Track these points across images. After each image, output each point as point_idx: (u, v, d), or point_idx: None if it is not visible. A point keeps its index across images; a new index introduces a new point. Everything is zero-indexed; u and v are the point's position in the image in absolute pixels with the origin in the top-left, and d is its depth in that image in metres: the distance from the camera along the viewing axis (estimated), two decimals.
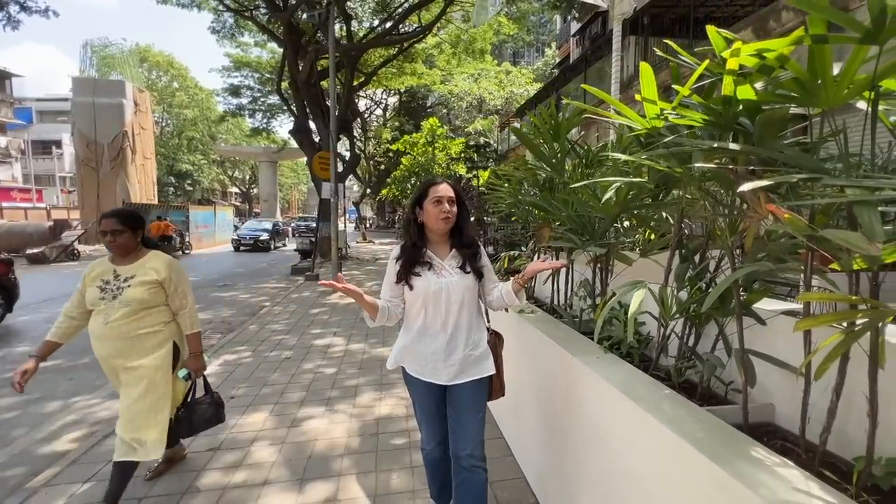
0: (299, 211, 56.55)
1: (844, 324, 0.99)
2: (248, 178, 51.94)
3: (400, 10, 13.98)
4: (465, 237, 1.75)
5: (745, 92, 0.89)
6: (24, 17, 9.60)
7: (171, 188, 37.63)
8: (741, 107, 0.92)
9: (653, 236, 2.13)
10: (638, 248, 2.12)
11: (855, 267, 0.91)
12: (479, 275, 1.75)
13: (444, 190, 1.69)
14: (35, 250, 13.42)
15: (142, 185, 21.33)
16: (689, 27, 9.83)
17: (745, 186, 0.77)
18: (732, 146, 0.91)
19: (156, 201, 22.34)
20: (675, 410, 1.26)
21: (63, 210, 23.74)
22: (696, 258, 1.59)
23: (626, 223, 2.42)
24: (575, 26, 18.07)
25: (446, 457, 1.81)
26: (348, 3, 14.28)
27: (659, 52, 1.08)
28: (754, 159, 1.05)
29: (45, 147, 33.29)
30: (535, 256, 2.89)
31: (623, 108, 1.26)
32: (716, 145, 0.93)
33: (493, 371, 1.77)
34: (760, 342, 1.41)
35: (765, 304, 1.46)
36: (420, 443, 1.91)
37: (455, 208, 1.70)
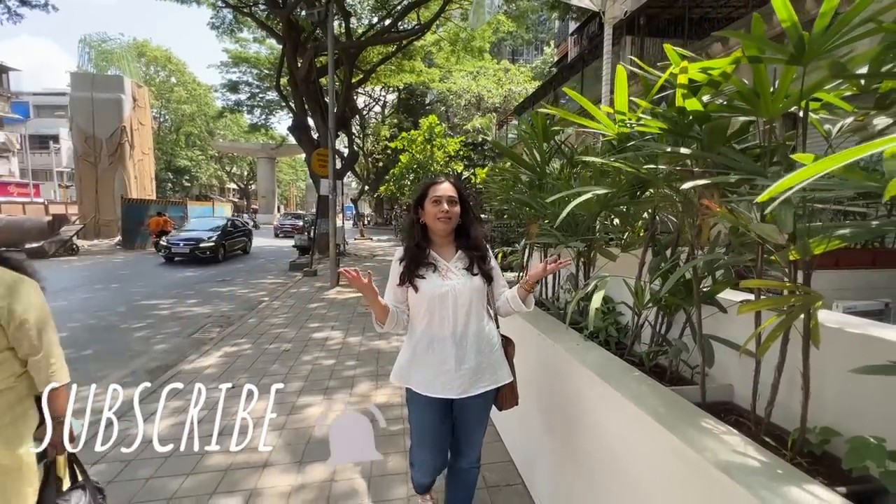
0: (297, 207, 56.47)
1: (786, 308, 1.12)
2: (246, 174, 51.91)
3: (399, 7, 14.03)
4: (470, 238, 1.67)
5: (693, 104, 1.01)
6: (25, 11, 9.64)
7: (169, 184, 37.62)
8: (691, 117, 1.04)
9: (642, 233, 2.26)
10: (620, 245, 2.24)
11: (790, 258, 1.03)
12: (489, 278, 1.67)
13: (444, 189, 1.61)
14: (34, 245, 13.47)
15: (140, 181, 21.35)
16: (684, 28, 9.96)
17: (686, 185, 0.90)
18: (683, 151, 1.04)
19: (154, 197, 22.34)
20: (641, 389, 1.39)
21: (61, 205, 23.74)
22: (668, 252, 1.72)
23: (617, 221, 2.55)
24: (573, 25, 18.16)
25: (434, 478, 1.82)
26: (347, 0, 14.32)
27: (627, 66, 1.20)
28: (710, 162, 1.17)
29: (42, 142, 33.21)
30: (526, 252, 3.01)
31: (597, 113, 1.38)
32: (668, 150, 1.06)
33: (509, 379, 1.70)
34: (723, 329, 1.54)
35: (728, 295, 1.59)
36: (411, 471, 1.85)
37: (456, 208, 1.62)
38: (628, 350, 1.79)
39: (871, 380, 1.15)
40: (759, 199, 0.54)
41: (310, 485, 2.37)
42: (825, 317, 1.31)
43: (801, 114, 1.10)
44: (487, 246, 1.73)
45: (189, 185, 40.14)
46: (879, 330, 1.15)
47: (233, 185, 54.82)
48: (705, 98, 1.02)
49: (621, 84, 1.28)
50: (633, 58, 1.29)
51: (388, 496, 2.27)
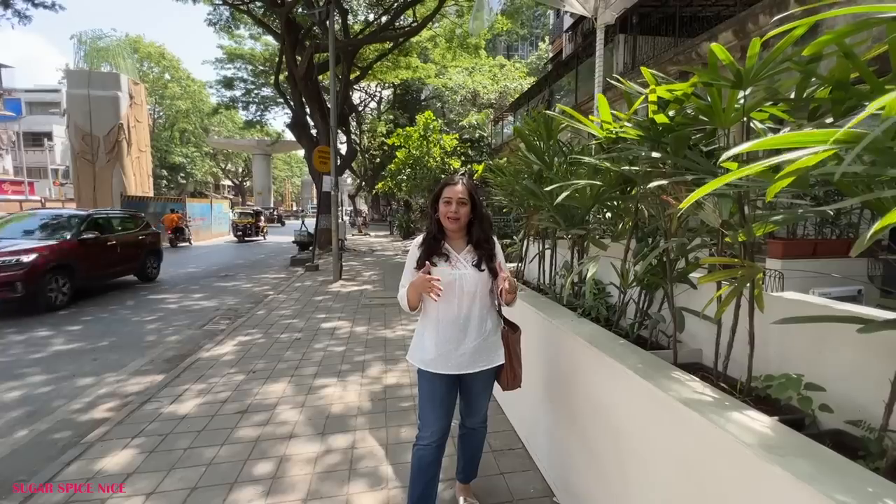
0: (293, 203, 56.30)
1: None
2: (241, 170, 51.80)
3: (396, 4, 14.18)
4: (474, 234, 1.83)
5: (660, 118, 1.27)
6: (32, 11, 9.74)
7: (164, 181, 37.52)
8: (661, 127, 1.30)
9: (630, 224, 2.53)
10: (609, 235, 2.51)
11: (740, 239, 1.31)
12: (494, 274, 1.81)
13: (455, 192, 1.78)
14: None
15: (137, 178, 21.40)
16: (675, 26, 10.22)
17: (651, 184, 1.16)
18: (655, 154, 1.30)
19: (151, 194, 22.39)
20: (624, 351, 1.67)
21: (57, 202, 23.69)
22: (650, 240, 1.99)
23: (609, 214, 2.82)
24: (568, 21, 18.39)
25: (437, 459, 1.86)
26: None
27: (614, 83, 1.45)
28: (679, 164, 1.44)
29: (35, 139, 32.99)
30: (525, 242, 3.28)
31: (587, 122, 1.65)
32: (644, 154, 1.32)
33: (502, 361, 1.88)
34: (695, 303, 1.82)
35: (702, 274, 1.86)
36: (415, 439, 1.89)
37: (465, 209, 1.78)
38: (615, 324, 2.07)
39: (802, 336, 1.43)
40: (682, 204, 0.80)
41: (333, 451, 2.64)
42: (783, 294, 1.59)
43: (750, 124, 1.38)
44: (496, 240, 1.90)
45: (184, 181, 40.06)
46: (811, 297, 1.43)
47: (228, 182, 54.68)
48: (671, 112, 1.28)
49: (603, 104, 1.55)
50: (620, 78, 1.54)
51: (404, 459, 2.54)
